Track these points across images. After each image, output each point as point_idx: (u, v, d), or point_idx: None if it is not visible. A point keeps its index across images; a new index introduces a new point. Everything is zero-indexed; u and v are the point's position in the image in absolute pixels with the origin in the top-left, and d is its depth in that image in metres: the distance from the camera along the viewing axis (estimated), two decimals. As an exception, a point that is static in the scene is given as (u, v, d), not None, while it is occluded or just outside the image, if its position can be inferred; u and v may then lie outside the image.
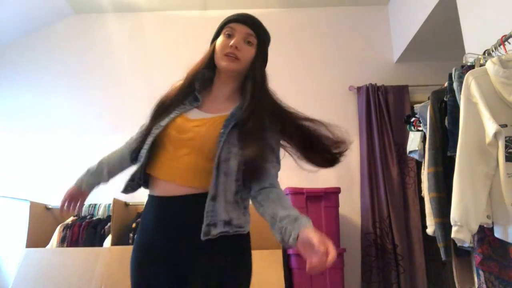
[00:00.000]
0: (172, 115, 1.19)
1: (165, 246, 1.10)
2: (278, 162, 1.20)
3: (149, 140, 1.16)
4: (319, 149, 1.22)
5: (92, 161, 1.39)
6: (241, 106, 1.19)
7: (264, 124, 1.17)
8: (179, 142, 1.14)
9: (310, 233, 0.93)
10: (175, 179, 1.11)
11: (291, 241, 0.97)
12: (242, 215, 1.12)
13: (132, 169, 1.22)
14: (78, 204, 1.39)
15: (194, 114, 1.19)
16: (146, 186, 1.21)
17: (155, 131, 1.16)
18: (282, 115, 1.22)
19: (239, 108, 1.18)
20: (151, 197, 1.18)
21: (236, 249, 1.11)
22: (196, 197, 1.09)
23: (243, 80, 1.26)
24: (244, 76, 1.25)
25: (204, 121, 1.16)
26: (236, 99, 1.24)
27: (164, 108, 1.22)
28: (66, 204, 1.36)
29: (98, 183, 1.39)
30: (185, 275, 1.09)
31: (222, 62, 1.21)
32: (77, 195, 1.38)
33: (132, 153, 1.22)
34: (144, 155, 1.15)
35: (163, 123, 1.17)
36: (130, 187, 1.21)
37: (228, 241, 1.08)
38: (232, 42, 1.19)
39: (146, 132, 1.20)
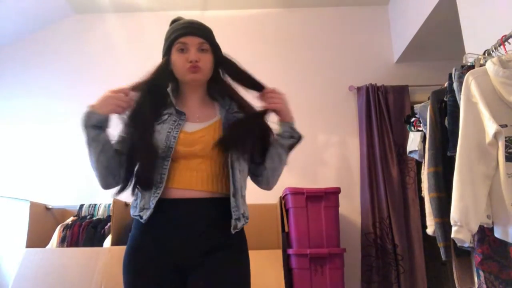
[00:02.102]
0: (170, 133, 1.20)
1: (178, 244, 1.14)
2: None
3: (166, 165, 1.17)
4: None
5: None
6: (226, 107, 1.30)
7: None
8: (190, 154, 1.19)
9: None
10: (195, 185, 1.17)
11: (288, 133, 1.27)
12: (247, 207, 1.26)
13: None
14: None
15: (190, 127, 1.24)
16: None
17: (167, 154, 1.17)
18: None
19: (226, 110, 1.30)
20: (163, 200, 1.16)
21: (244, 242, 1.24)
22: (212, 200, 1.19)
23: (208, 82, 1.32)
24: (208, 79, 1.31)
25: (204, 131, 1.24)
26: (209, 102, 1.33)
27: (145, 127, 1.20)
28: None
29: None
30: (188, 269, 1.14)
31: (186, 77, 1.26)
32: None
33: (143, 182, 1.18)
34: (164, 180, 1.16)
35: (171, 144, 1.18)
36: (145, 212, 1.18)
37: (239, 235, 1.21)
38: (190, 57, 1.23)
39: (147, 156, 1.17)
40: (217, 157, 1.21)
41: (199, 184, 1.18)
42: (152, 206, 1.14)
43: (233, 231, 1.16)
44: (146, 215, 1.15)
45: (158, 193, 1.15)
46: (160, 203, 1.16)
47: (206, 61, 1.26)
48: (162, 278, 1.13)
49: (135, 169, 1.19)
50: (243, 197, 1.23)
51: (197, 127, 1.24)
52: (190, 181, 1.18)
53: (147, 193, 1.17)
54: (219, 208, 1.19)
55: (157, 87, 1.28)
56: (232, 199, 1.17)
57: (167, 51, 1.29)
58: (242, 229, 1.23)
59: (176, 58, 1.26)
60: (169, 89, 1.30)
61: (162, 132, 1.20)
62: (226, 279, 1.13)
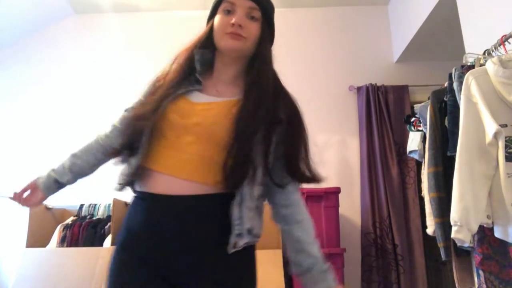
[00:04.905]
0: (170, 98, 0.99)
1: (161, 257, 0.91)
2: None
3: (148, 127, 0.96)
4: (302, 159, 1.08)
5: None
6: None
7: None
8: (182, 128, 0.95)
9: None
10: (181, 172, 0.92)
11: None
12: (261, 223, 1.00)
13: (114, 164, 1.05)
14: (32, 199, 1.27)
15: (198, 97, 1.01)
16: (132, 184, 1.01)
17: (153, 117, 0.95)
18: (289, 104, 1.12)
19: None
20: (144, 193, 0.96)
21: (249, 263, 0.99)
22: (210, 197, 0.92)
23: (249, 61, 1.08)
24: (249, 57, 1.08)
25: (212, 105, 1.00)
26: (240, 83, 1.06)
27: (158, 92, 1.03)
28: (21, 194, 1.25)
29: (60, 187, 1.29)
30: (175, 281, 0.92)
31: (223, 42, 1.03)
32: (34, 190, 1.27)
33: (123, 145, 1.00)
34: (144, 145, 0.94)
35: (161, 107, 0.97)
36: (124, 184, 1.01)
37: (242, 254, 0.93)
38: (233, 19, 1.01)
39: (138, 119, 0.98)
40: (219, 140, 0.93)
41: (183, 171, 0.92)
42: (132, 174, 0.97)
43: (230, 251, 0.89)
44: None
45: (139, 161, 0.95)
46: (142, 198, 0.97)
47: (252, 31, 1.03)
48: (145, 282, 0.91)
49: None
50: (252, 208, 0.95)
51: (206, 99, 1.01)
52: (174, 165, 0.93)
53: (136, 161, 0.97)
54: (218, 209, 0.92)
55: (197, 55, 1.07)
56: (235, 208, 0.91)
57: (212, 14, 1.09)
58: (250, 248, 0.97)
59: (219, 19, 1.04)
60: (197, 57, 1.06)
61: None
62: None
